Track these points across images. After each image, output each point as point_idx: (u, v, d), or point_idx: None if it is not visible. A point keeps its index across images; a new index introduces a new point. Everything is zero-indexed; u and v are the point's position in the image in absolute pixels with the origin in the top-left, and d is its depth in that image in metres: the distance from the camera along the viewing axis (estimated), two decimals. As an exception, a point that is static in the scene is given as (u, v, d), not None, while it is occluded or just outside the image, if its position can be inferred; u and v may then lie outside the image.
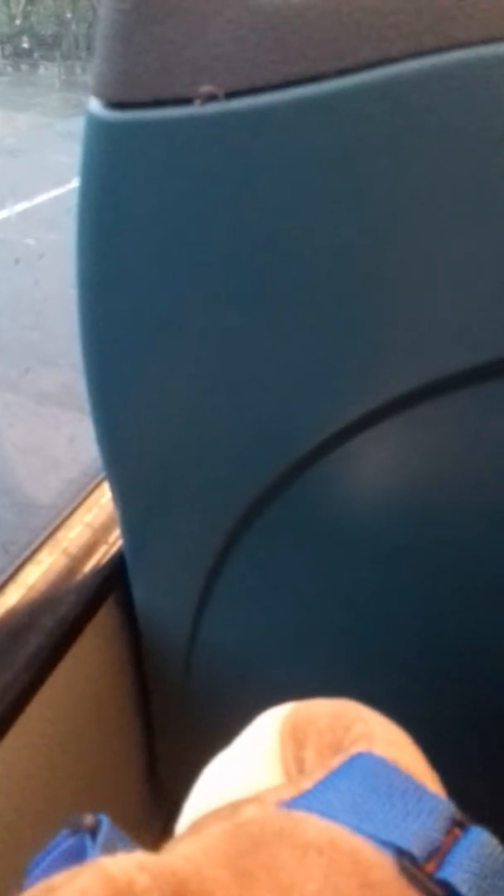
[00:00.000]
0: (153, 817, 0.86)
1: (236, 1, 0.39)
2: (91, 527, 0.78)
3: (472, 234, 0.43)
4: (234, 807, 0.30)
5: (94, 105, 0.44)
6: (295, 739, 0.38)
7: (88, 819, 0.29)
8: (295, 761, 0.37)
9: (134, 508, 0.67)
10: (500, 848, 0.26)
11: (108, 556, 0.76)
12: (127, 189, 0.45)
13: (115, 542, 0.77)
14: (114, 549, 0.76)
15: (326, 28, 0.39)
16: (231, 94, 0.41)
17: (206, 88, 0.41)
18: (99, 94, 0.44)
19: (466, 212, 0.43)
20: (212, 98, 0.41)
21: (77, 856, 0.28)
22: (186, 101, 0.41)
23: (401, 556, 0.60)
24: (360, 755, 0.31)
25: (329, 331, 0.49)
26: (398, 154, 0.41)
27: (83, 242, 0.49)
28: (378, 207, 0.43)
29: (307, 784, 0.30)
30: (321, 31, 0.39)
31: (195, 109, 0.41)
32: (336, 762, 0.31)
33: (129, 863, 0.22)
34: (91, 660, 0.75)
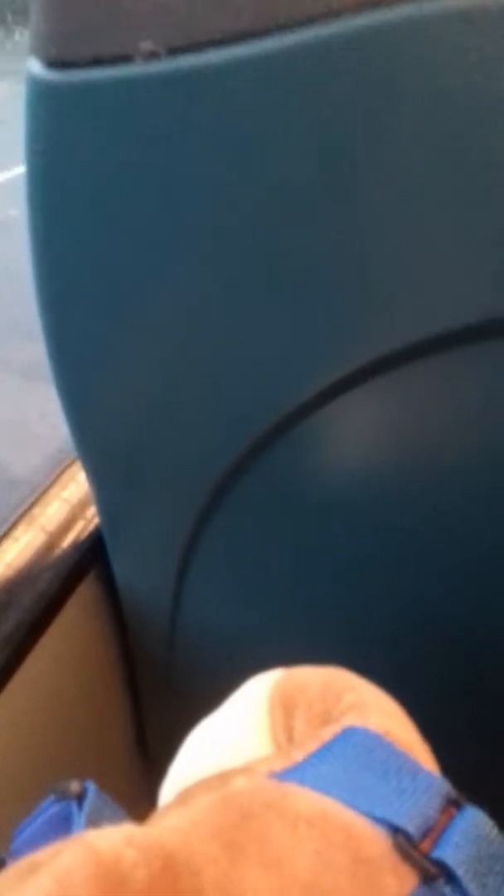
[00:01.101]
0: (140, 786, 0.87)
1: (174, -50, 0.37)
2: (68, 502, 0.77)
3: (456, 195, 0.42)
4: (224, 777, 0.29)
5: (34, 65, 0.43)
6: (284, 707, 0.38)
7: (74, 786, 0.29)
8: (284, 730, 0.37)
9: (107, 484, 0.66)
10: (495, 830, 0.26)
11: (86, 532, 0.75)
12: (73, 152, 0.44)
13: (93, 517, 0.76)
14: (92, 525, 0.76)
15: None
16: (173, 51, 0.39)
17: (146, 45, 0.39)
18: (37, 54, 0.42)
19: (450, 170, 0.41)
20: (153, 55, 0.39)
21: (63, 822, 0.28)
22: (127, 58, 0.40)
23: (382, 523, 0.60)
24: (353, 729, 0.30)
25: (299, 295, 0.48)
26: (348, 111, 0.39)
27: (33, 211, 0.47)
28: (343, 166, 0.41)
29: (299, 756, 0.29)
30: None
31: (137, 68, 0.40)
32: (328, 733, 0.30)
33: (116, 837, 0.22)
34: (73, 635, 0.75)
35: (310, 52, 0.38)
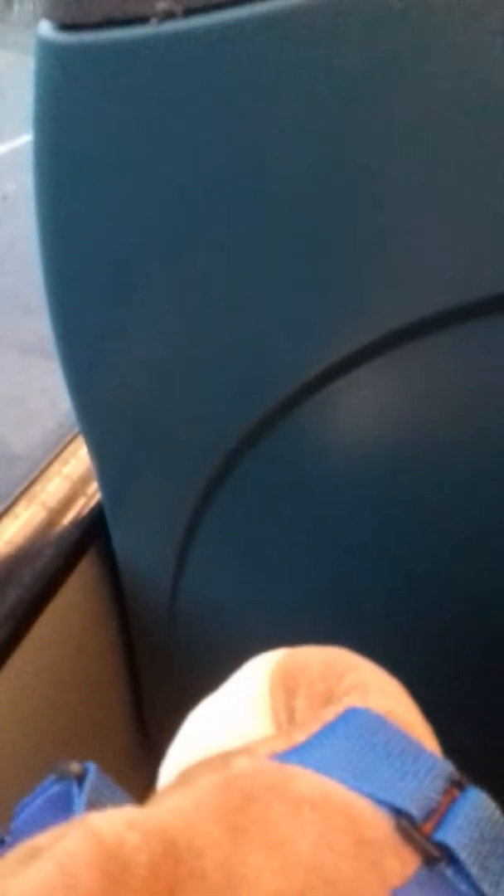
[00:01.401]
0: (140, 765, 0.87)
1: None
2: (69, 479, 0.76)
3: (460, 170, 0.41)
4: (226, 758, 0.29)
5: (45, 28, 0.41)
6: (285, 687, 0.37)
7: (75, 766, 0.28)
8: (285, 709, 0.37)
9: (110, 460, 0.65)
10: (498, 812, 0.25)
11: (87, 509, 0.75)
12: (83, 117, 0.43)
13: (93, 494, 0.76)
14: (93, 502, 0.75)
15: None
16: (190, 11, 0.38)
17: (162, 5, 0.38)
18: (49, 16, 0.41)
19: (449, 142, 0.40)
20: (169, 16, 0.38)
21: (63, 803, 0.28)
22: (142, 19, 0.38)
23: (385, 502, 0.59)
24: (356, 710, 0.30)
25: (306, 269, 0.47)
26: (374, 74, 0.38)
27: (40, 179, 0.46)
28: (353, 133, 0.40)
29: (301, 737, 0.29)
30: None
31: (152, 29, 0.39)
32: (330, 714, 0.30)
33: (118, 820, 0.22)
34: (73, 612, 0.75)
35: (328, 8, 0.36)
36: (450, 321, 0.47)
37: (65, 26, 0.41)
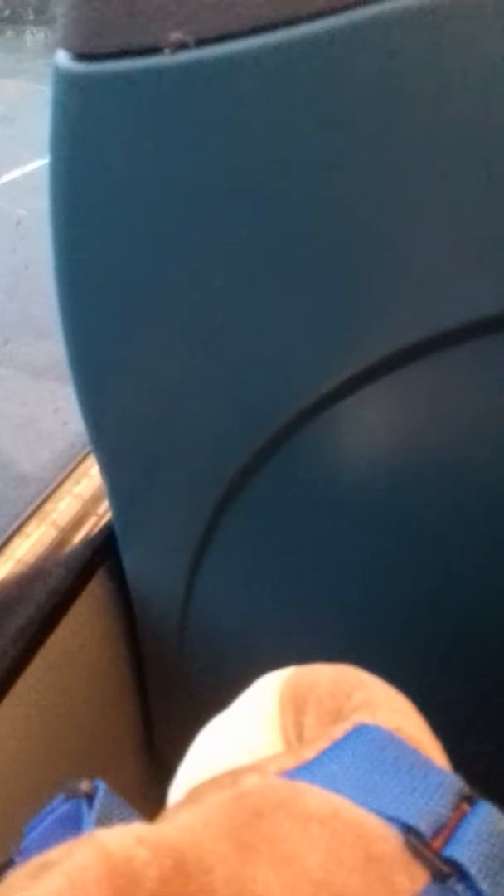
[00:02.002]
0: (150, 783, 0.87)
1: None
2: (80, 498, 0.77)
3: (463, 191, 0.42)
4: (235, 775, 0.29)
5: (61, 57, 0.42)
6: (295, 705, 0.37)
7: (85, 784, 0.28)
8: (295, 727, 0.37)
9: (121, 478, 0.66)
10: None
11: (98, 528, 0.75)
12: (99, 144, 0.44)
13: (104, 513, 0.76)
14: (104, 521, 0.76)
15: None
16: (202, 42, 0.39)
17: (175, 36, 0.39)
18: (65, 46, 0.42)
19: (459, 163, 0.41)
20: (182, 46, 0.39)
21: (73, 822, 0.28)
22: (156, 50, 0.40)
23: (396, 519, 0.59)
24: (364, 727, 0.30)
25: (316, 290, 0.47)
26: (380, 100, 0.39)
27: (56, 203, 0.47)
28: (363, 159, 0.41)
29: (309, 754, 0.29)
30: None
31: (165, 59, 0.40)
32: (338, 731, 0.30)
33: (127, 836, 0.22)
34: (84, 631, 0.75)
35: (340, 39, 0.37)
36: (457, 339, 0.47)
37: (80, 56, 0.42)
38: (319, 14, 0.37)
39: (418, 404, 0.52)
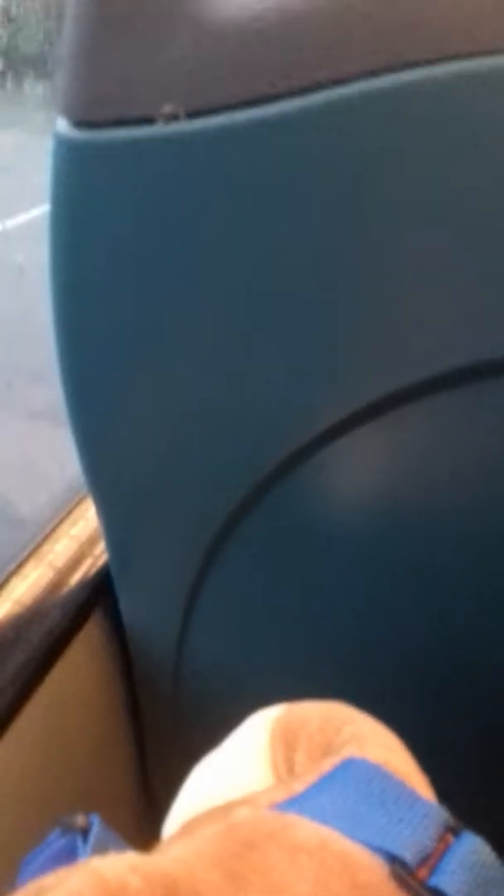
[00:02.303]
0: (144, 822, 0.86)
1: (194, 22, 0.40)
2: (77, 540, 0.78)
3: (458, 237, 0.44)
4: (227, 808, 0.30)
5: (61, 124, 0.45)
6: (285, 741, 0.38)
7: (80, 819, 0.29)
8: (285, 763, 0.37)
9: (117, 521, 0.67)
10: (493, 855, 0.26)
11: (94, 569, 0.76)
12: (96, 208, 0.46)
13: (101, 554, 0.77)
14: (100, 562, 0.76)
15: (284, 47, 0.40)
16: (193, 114, 0.41)
17: (167, 108, 0.41)
18: (65, 114, 0.45)
19: (454, 213, 0.43)
20: (173, 118, 0.42)
21: (68, 856, 0.28)
22: (149, 120, 0.42)
23: (389, 561, 0.60)
24: (352, 761, 0.31)
25: (312, 333, 0.49)
26: (365, 170, 0.42)
27: (56, 263, 0.50)
28: (351, 221, 0.44)
29: (299, 787, 0.30)
30: (279, 51, 0.40)
31: (158, 129, 0.42)
32: (327, 765, 0.31)
33: (121, 864, 0.22)
34: (79, 672, 0.75)
35: (324, 114, 0.40)
36: (453, 383, 0.49)
37: (79, 123, 0.44)
38: (302, 90, 0.40)
39: (413, 446, 0.54)
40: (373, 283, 0.46)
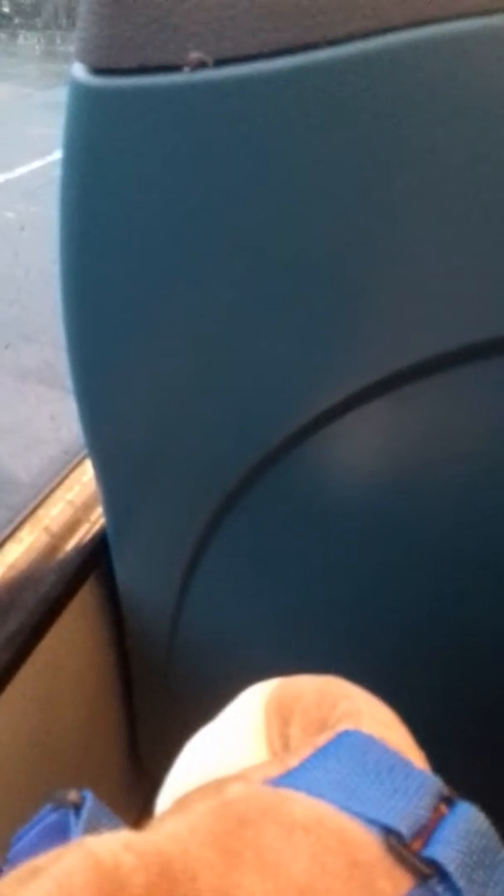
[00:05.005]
0: (134, 792, 0.87)
1: (227, -36, 0.38)
2: (73, 504, 0.77)
3: (469, 211, 0.42)
4: (220, 784, 0.29)
5: (78, 71, 0.43)
6: (280, 716, 0.38)
7: (72, 795, 0.29)
8: (280, 738, 0.37)
9: (117, 486, 0.66)
10: (487, 823, 0.26)
11: (90, 535, 0.75)
12: (112, 158, 0.44)
13: (97, 520, 0.76)
14: (96, 527, 0.76)
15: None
16: (221, 62, 0.39)
17: (195, 55, 0.39)
18: (83, 60, 0.42)
19: (466, 186, 0.42)
20: (201, 65, 0.40)
21: (60, 832, 0.28)
22: (174, 68, 0.40)
23: (386, 538, 0.60)
24: (347, 733, 0.31)
25: (316, 308, 0.48)
26: (394, 126, 0.40)
27: (66, 214, 0.48)
28: (374, 180, 0.42)
29: (294, 762, 0.29)
30: (316, -1, 0.38)
31: (183, 77, 0.40)
32: (322, 740, 0.31)
33: (115, 842, 0.22)
34: (73, 638, 0.75)
35: (355, 66, 0.38)
36: (457, 360, 0.48)
37: (99, 70, 0.42)
38: (334, 41, 0.38)
39: (415, 424, 0.53)
40: (378, 254, 0.45)
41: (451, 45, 0.37)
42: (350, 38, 0.38)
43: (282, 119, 0.40)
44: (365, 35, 0.38)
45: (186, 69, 0.40)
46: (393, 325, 0.48)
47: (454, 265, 0.45)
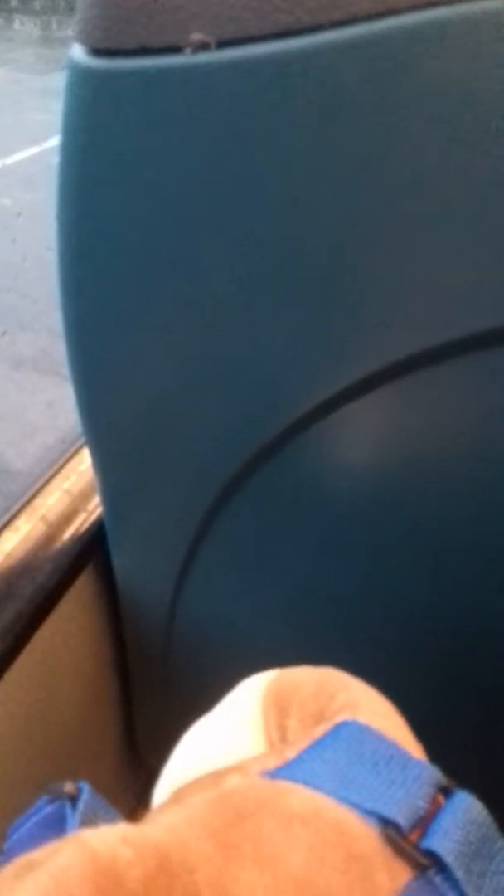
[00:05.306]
0: (131, 783, 0.87)
1: None
2: (70, 494, 0.77)
3: (471, 198, 0.42)
4: (218, 776, 0.29)
5: (78, 52, 0.42)
6: (278, 707, 0.38)
7: (69, 786, 0.29)
8: (278, 729, 0.37)
9: (115, 475, 0.65)
10: (485, 812, 0.26)
11: (87, 524, 0.75)
12: (111, 140, 0.43)
13: (94, 509, 0.76)
14: (93, 517, 0.75)
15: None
16: (223, 44, 0.39)
17: (197, 36, 0.39)
18: (83, 41, 0.42)
19: (468, 172, 0.41)
20: (203, 47, 0.39)
21: (57, 823, 0.28)
22: (176, 49, 0.39)
23: (384, 529, 0.60)
24: (344, 724, 0.31)
25: (321, 295, 0.47)
26: (397, 110, 0.39)
27: (65, 197, 0.47)
28: (376, 164, 0.41)
29: (291, 753, 0.29)
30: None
31: (185, 58, 0.39)
32: (320, 731, 0.31)
33: (112, 836, 0.22)
34: (70, 627, 0.75)
35: (359, 48, 0.37)
36: (453, 353, 0.48)
37: (98, 51, 0.41)
38: (338, 23, 0.37)
39: (412, 415, 0.53)
40: (374, 246, 0.44)
41: (457, 28, 0.37)
42: (354, 20, 0.37)
43: (284, 101, 0.40)
44: (368, 17, 0.37)
45: (188, 50, 0.39)
46: (391, 316, 0.47)
47: (454, 254, 0.44)
